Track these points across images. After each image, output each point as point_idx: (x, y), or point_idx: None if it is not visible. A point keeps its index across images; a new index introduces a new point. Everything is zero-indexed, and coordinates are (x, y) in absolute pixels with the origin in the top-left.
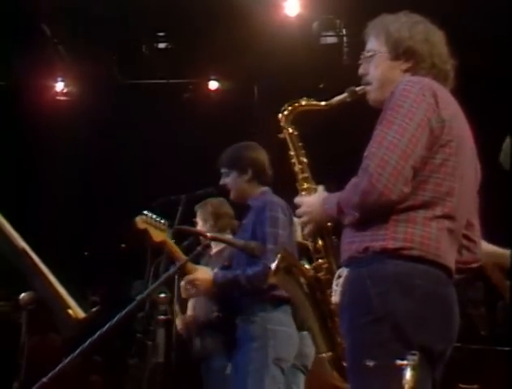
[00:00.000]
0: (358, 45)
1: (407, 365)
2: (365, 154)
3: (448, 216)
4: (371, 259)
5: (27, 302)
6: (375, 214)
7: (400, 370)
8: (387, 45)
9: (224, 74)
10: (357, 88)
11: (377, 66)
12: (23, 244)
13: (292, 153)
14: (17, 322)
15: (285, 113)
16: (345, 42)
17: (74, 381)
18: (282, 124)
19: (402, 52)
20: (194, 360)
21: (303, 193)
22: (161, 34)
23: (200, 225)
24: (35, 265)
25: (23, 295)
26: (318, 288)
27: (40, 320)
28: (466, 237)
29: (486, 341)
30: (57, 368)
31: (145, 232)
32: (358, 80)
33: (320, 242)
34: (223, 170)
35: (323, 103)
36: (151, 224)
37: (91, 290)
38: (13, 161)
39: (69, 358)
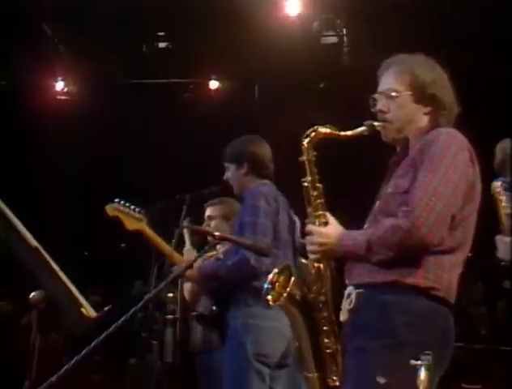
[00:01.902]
0: (358, 45)
1: (421, 365)
2: (390, 191)
3: (463, 262)
4: (397, 290)
5: (37, 301)
6: (410, 255)
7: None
8: (412, 87)
9: (224, 73)
10: (376, 123)
11: (401, 107)
12: (35, 243)
13: (308, 178)
14: (17, 321)
15: (309, 137)
16: (345, 42)
17: (75, 380)
18: (304, 147)
19: (426, 96)
20: (192, 353)
21: (316, 220)
22: (162, 33)
23: (216, 222)
24: (47, 264)
25: (33, 294)
26: (314, 308)
27: (41, 320)
28: None
29: (487, 341)
30: (66, 366)
31: (117, 220)
32: (358, 80)
33: (322, 266)
34: (225, 165)
35: (346, 133)
36: (124, 212)
37: (92, 290)
38: (13, 160)
39: (78, 356)
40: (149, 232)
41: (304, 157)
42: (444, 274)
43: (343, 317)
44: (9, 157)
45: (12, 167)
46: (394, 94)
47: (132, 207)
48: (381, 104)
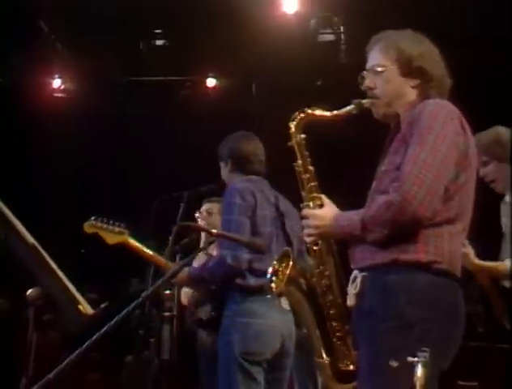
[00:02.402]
0: (356, 43)
1: (418, 362)
2: (384, 168)
3: (464, 231)
4: (400, 269)
5: (34, 298)
6: (405, 230)
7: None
8: (398, 61)
9: (221, 71)
10: (364, 101)
11: (387, 81)
12: (32, 240)
13: (299, 161)
14: (14, 319)
15: (295, 120)
16: (343, 40)
17: (73, 378)
18: (291, 131)
19: (413, 70)
20: (198, 358)
21: (310, 203)
22: (159, 31)
23: (215, 218)
24: (44, 261)
25: (30, 291)
26: (320, 294)
27: (39, 318)
28: None
29: (484, 338)
30: (63, 364)
31: (97, 236)
32: (355, 78)
33: (322, 249)
34: (220, 164)
35: (331, 113)
36: (102, 228)
37: (88, 287)
38: (10, 158)
39: (75, 353)
40: (132, 242)
41: (292, 141)
42: (444, 245)
43: (349, 301)
44: (6, 155)
45: (9, 165)
46: (380, 69)
47: (111, 222)
48: (368, 80)
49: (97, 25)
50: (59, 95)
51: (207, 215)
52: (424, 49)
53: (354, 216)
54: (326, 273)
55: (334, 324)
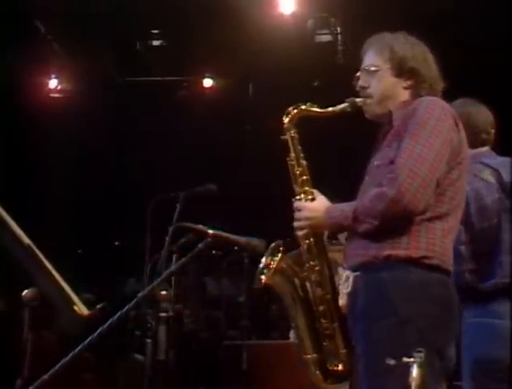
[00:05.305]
0: (353, 44)
1: (413, 362)
2: (377, 163)
3: (455, 228)
4: (392, 266)
5: (30, 298)
6: (395, 223)
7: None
8: (391, 62)
9: (218, 71)
10: (358, 99)
11: (380, 81)
12: (28, 241)
13: (292, 155)
14: (9, 320)
15: (290, 115)
16: (340, 40)
17: (68, 379)
18: (285, 126)
19: (406, 70)
20: None
21: (302, 196)
22: (156, 31)
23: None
24: (40, 262)
25: (26, 291)
26: (311, 290)
27: (33, 318)
28: None
29: None
30: (59, 364)
31: None
32: (352, 79)
33: (313, 244)
34: None
35: (326, 110)
36: None
37: (85, 288)
38: (5, 158)
39: (71, 354)
40: None
41: (286, 135)
42: (436, 241)
43: (341, 301)
44: (2, 155)
45: (6, 165)
46: (373, 69)
47: None
48: (361, 80)
49: (94, 25)
50: (56, 95)
51: None
52: (417, 51)
53: (346, 207)
54: (317, 268)
55: (323, 321)
